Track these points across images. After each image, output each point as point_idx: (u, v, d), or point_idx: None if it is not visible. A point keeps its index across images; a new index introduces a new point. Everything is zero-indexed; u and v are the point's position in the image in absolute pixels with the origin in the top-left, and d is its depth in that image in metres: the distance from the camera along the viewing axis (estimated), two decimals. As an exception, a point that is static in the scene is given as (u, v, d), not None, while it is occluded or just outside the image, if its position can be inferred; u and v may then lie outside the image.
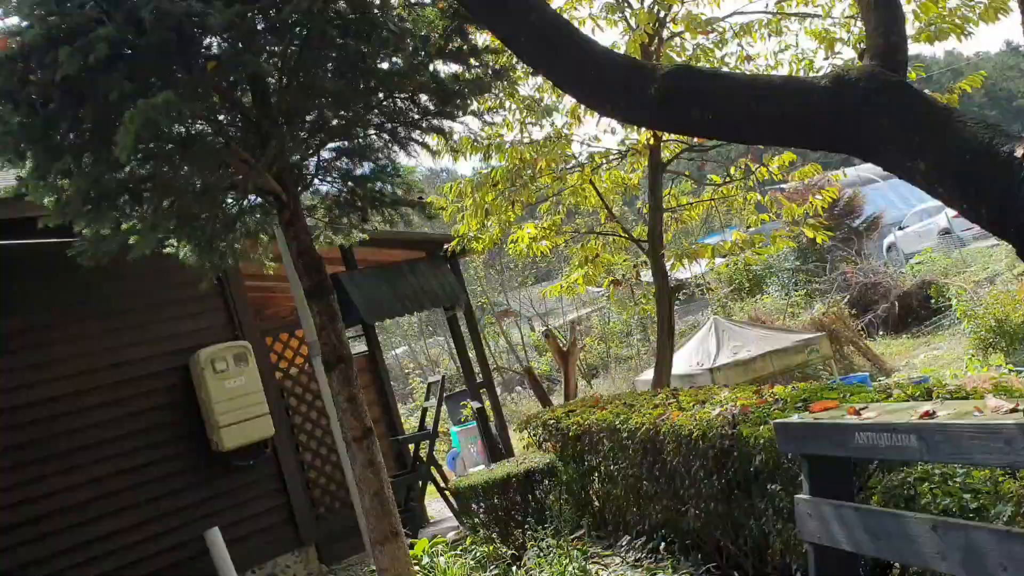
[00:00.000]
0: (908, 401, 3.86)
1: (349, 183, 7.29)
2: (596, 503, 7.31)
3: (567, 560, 5.47)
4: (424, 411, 9.07)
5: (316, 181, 7.33)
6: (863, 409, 3.14)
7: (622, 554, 6.37)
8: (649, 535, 6.33)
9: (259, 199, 7.21)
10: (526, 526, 6.83)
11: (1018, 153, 2.49)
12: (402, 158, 9.48)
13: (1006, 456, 2.34)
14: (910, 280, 19.19)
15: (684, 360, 12.06)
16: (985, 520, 3.65)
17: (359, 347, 10.49)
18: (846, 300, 18.82)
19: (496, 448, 10.06)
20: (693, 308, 26.39)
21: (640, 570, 5.72)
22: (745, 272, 23.30)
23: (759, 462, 4.82)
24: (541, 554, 5.88)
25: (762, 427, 4.68)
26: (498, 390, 26.97)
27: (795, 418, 3.43)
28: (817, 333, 12.74)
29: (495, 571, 6.27)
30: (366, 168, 7.37)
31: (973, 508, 3.72)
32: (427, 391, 9.77)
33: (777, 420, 3.48)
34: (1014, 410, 2.39)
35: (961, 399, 3.28)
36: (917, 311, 18.94)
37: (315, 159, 7.10)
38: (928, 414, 2.70)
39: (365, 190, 7.21)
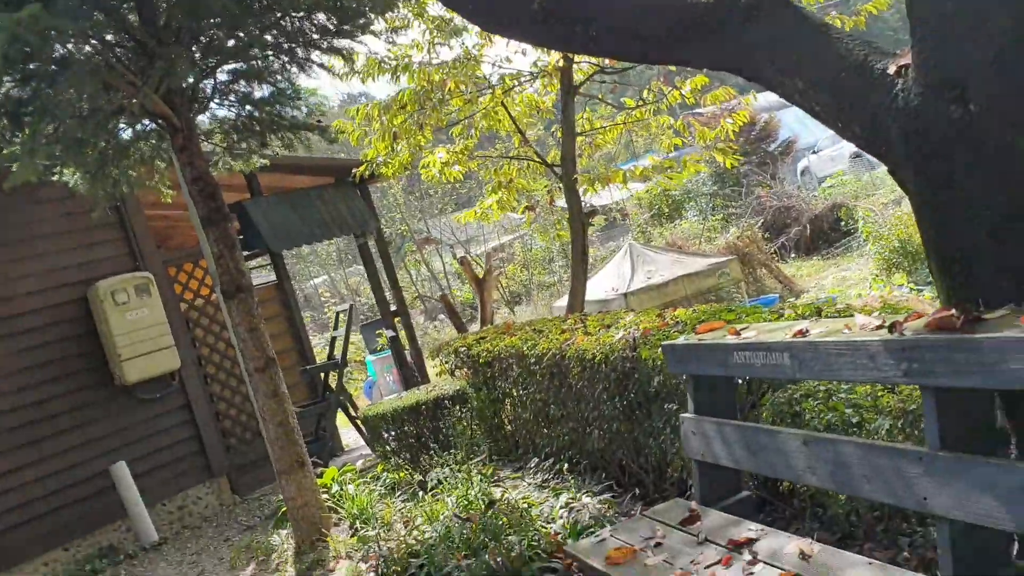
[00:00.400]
0: (797, 320, 3.91)
1: (247, 107, 7.01)
2: (508, 428, 7.36)
3: (467, 485, 5.49)
4: (333, 340, 8.97)
5: (213, 105, 7.04)
6: (744, 329, 3.17)
7: (531, 476, 6.45)
8: (557, 457, 6.41)
9: (152, 124, 6.91)
10: (431, 452, 6.86)
11: (891, 70, 2.48)
12: (303, 80, 9.14)
13: (870, 372, 2.38)
14: (822, 203, 19.60)
15: (600, 286, 12.15)
16: (867, 433, 3.77)
17: (270, 276, 10.28)
18: (760, 224, 19.16)
19: (411, 376, 10.03)
20: (615, 234, 26.57)
21: (546, 490, 5.79)
22: (664, 197, 23.47)
23: (657, 383, 4.88)
24: (445, 479, 5.90)
25: (660, 350, 4.72)
26: (421, 318, 26.91)
27: (681, 340, 3.45)
28: (727, 257, 12.94)
29: (403, 497, 6.28)
30: (265, 91, 7.10)
31: (855, 422, 3.83)
32: (335, 320, 9.65)
33: (665, 342, 3.50)
34: (880, 327, 2.42)
35: (838, 317, 3.33)
36: (828, 233, 19.43)
37: (211, 82, 6.80)
38: (801, 333, 2.73)
39: (264, 114, 6.95)
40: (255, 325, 6.14)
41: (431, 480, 6.02)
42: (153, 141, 6.96)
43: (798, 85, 2.64)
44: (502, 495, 5.50)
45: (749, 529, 2.88)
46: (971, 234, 2.31)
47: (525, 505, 5.30)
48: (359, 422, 8.62)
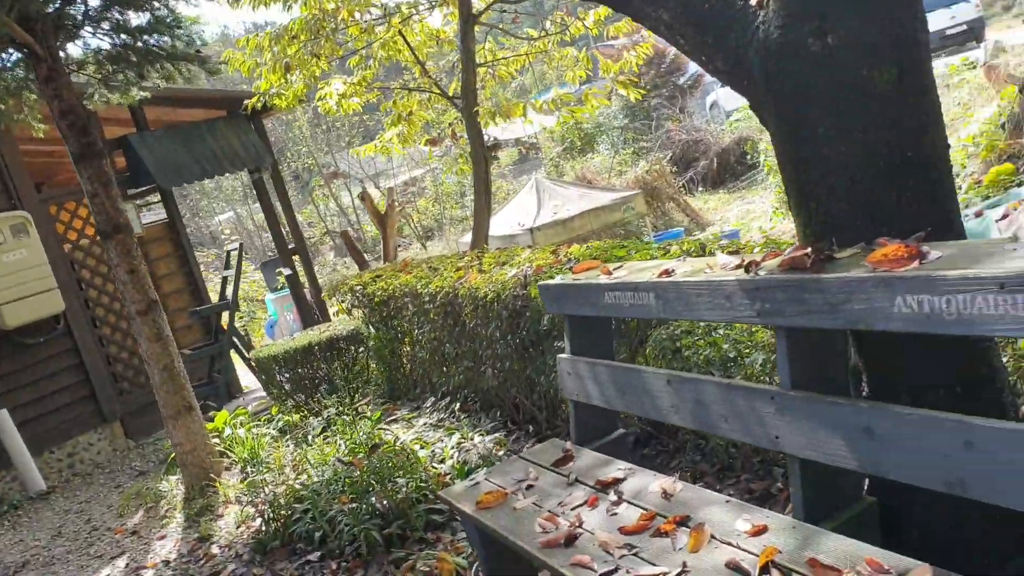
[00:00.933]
0: (681, 257, 3.90)
1: (122, 35, 6.60)
2: (406, 367, 7.28)
3: (354, 428, 5.41)
4: (224, 280, 8.69)
5: (86, 33, 6.61)
6: (617, 268, 3.12)
7: (427, 415, 6.40)
8: (453, 396, 6.37)
9: (18, 53, 6.47)
10: (325, 393, 6.75)
11: (753, 1, 2.40)
12: (184, 8, 8.66)
13: (727, 312, 2.35)
14: (729, 137, 19.79)
15: (506, 221, 12.05)
16: (741, 368, 3.80)
17: (161, 214, 9.88)
18: (669, 157, 19.25)
19: (311, 316, 9.84)
20: (527, 168, 26.42)
21: (441, 430, 5.75)
22: (576, 131, 23.37)
23: (548, 322, 4.83)
24: (336, 421, 5.81)
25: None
26: (331, 255, 26.37)
27: (557, 279, 3.39)
28: (633, 191, 12.97)
29: (296, 440, 6.17)
30: (142, 19, 6.69)
31: (732, 357, 3.86)
32: (226, 259, 9.35)
33: (541, 282, 3.43)
34: (739, 267, 2.39)
35: (701, 256, 3.31)
36: (734, 167, 19.69)
37: (81, 7, 6.37)
38: (666, 272, 2.68)
39: (140, 43, 6.56)
40: (135, 267, 5.87)
41: (322, 422, 5.92)
42: (20, 72, 6.53)
43: (664, 17, 2.55)
44: (393, 437, 5.43)
45: (618, 469, 2.87)
46: (827, 172, 2.28)
47: (417, 446, 5.25)
48: (252, 364, 8.43)
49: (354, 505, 4.43)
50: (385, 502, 4.41)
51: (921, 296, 1.78)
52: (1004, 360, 3.08)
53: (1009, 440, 1.67)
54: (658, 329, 4.23)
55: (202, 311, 8.66)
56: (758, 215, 14.46)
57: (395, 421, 6.45)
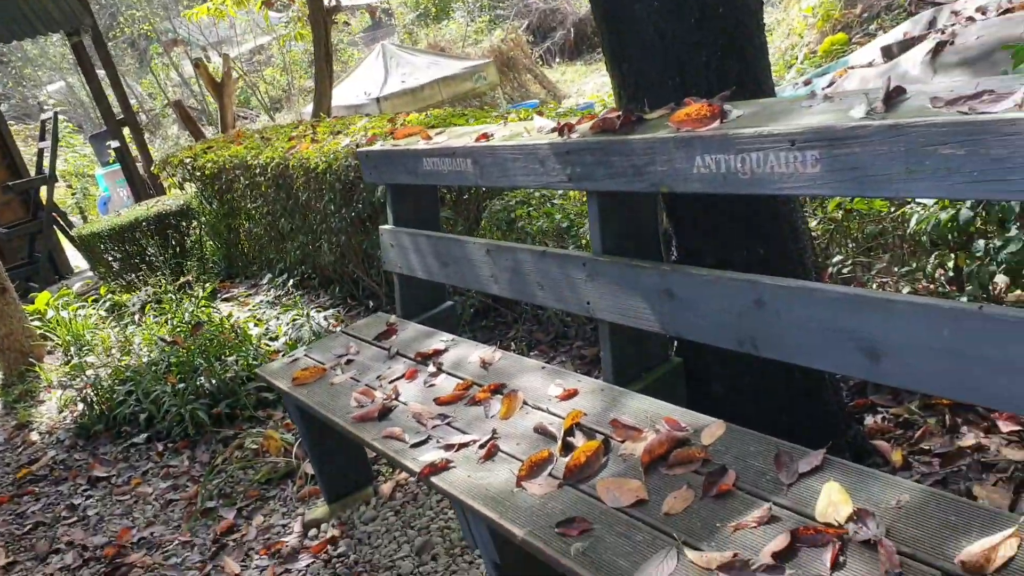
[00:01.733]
0: (502, 122, 3.77)
1: None
2: (244, 244, 6.99)
3: (182, 307, 5.16)
4: (40, 152, 8.01)
5: None
6: (439, 134, 2.98)
7: (264, 292, 6.19)
8: (290, 272, 6.17)
9: None
10: (157, 272, 6.40)
11: None
12: None
13: (541, 177, 2.27)
14: (587, 6, 19.51)
15: (351, 90, 11.57)
16: (575, 239, 3.78)
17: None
18: (525, 26, 18.87)
19: (145, 191, 9.27)
20: (380, 35, 25.38)
21: (277, 307, 5.58)
22: (432, -4, 22.56)
23: (382, 192, 4.67)
24: (164, 300, 5.52)
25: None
26: (174, 128, 24.90)
27: (376, 146, 3.22)
28: (484, 60, 12.66)
29: (125, 321, 5.86)
30: None
31: (565, 228, 3.83)
32: (41, 129, 8.61)
33: (360, 149, 3.25)
34: (554, 130, 2.29)
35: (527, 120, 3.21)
36: (591, 38, 19.52)
37: None
38: (484, 136, 2.57)
39: None
40: (-77, 137, 5.29)
41: (151, 301, 5.61)
42: None
43: None
44: (220, 316, 5.22)
45: (441, 340, 2.81)
46: (637, 29, 2.19)
47: (251, 324, 5.07)
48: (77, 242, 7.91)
49: (182, 385, 4.26)
50: (213, 381, 4.25)
51: (718, 156, 1.73)
52: (815, 223, 3.16)
53: (796, 298, 1.68)
54: (493, 200, 4.15)
55: (16, 186, 7.98)
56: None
57: (231, 299, 6.22)
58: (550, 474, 1.91)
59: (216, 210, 6.87)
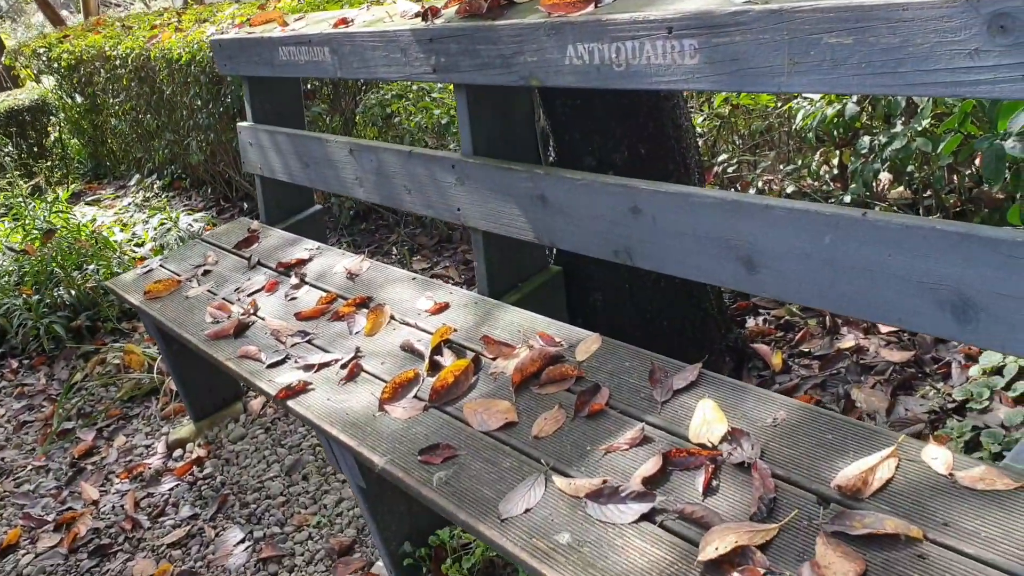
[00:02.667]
0: (365, 6, 3.49)
1: None
2: (111, 143, 6.50)
3: (33, 212, 4.75)
4: None
5: None
6: (298, 19, 2.70)
7: (132, 195, 5.79)
8: (160, 173, 5.78)
9: None
10: (12, 172, 5.90)
11: None
12: None
13: (404, 68, 2.05)
14: None
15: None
16: (456, 136, 3.57)
17: None
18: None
19: (1, 82, 8.51)
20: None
21: (146, 210, 5.21)
22: None
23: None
24: (16, 204, 5.09)
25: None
26: (38, 15, 23.10)
27: (230, 34, 2.91)
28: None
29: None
30: None
31: (444, 124, 3.61)
32: None
33: (214, 37, 2.93)
34: (419, 14, 2.07)
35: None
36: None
37: None
38: (344, 22, 2.31)
39: None
40: None
41: (3, 206, 5.17)
42: None
43: None
44: (77, 221, 4.83)
45: (306, 249, 2.61)
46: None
47: (117, 229, 4.72)
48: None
49: (37, 297, 3.93)
50: (73, 292, 3.95)
51: (591, 44, 1.56)
52: (701, 119, 3.04)
53: (672, 204, 1.55)
54: (368, 94, 3.88)
55: None
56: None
57: (96, 202, 5.80)
58: (416, 396, 1.77)
59: (78, 105, 6.34)
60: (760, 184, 2.74)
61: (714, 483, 1.33)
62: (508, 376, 1.72)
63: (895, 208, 2.56)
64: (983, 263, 1.14)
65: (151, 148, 5.65)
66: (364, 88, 4.09)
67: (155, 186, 5.63)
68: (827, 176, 2.67)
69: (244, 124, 2.90)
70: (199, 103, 4.77)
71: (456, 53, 1.87)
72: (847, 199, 2.54)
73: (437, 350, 1.87)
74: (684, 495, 1.33)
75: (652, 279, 2.15)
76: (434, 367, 1.82)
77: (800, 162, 2.71)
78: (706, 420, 1.45)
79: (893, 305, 1.26)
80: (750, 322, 2.68)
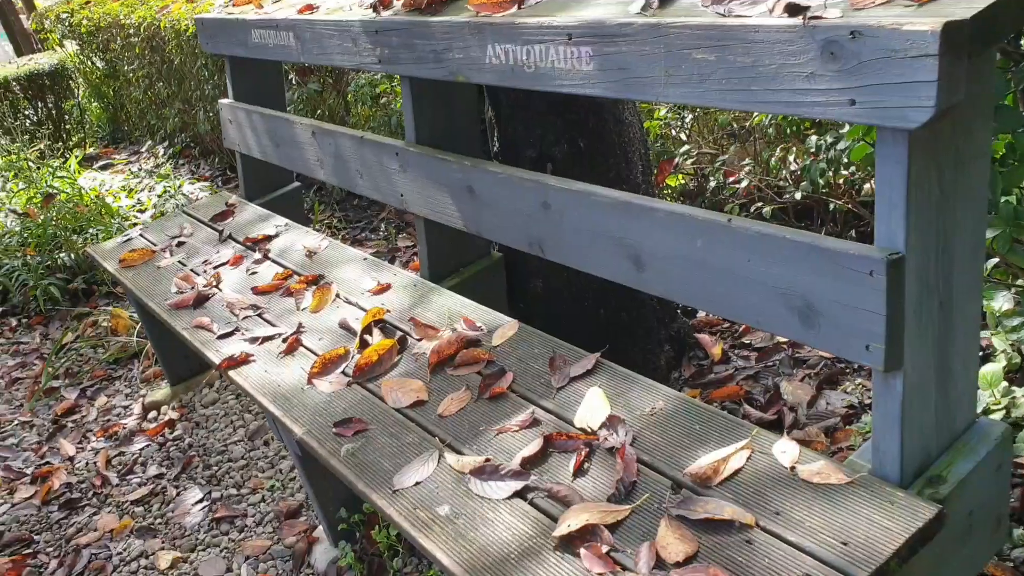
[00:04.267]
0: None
1: None
2: (128, 109, 6.65)
3: (40, 173, 4.90)
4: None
5: None
6: (275, 2, 2.79)
7: (144, 161, 5.94)
8: (171, 140, 5.92)
9: None
10: (34, 136, 6.06)
11: None
12: None
13: (355, 57, 2.14)
14: None
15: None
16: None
17: None
18: None
19: (27, 45, 8.70)
20: None
21: (154, 176, 5.35)
22: None
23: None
24: (27, 167, 5.25)
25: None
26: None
27: (212, 13, 3.01)
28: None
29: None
30: None
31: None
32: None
33: (197, 15, 3.04)
34: (372, 6, 2.14)
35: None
36: None
37: None
38: (308, 8, 2.40)
39: None
40: None
41: (14, 169, 5.33)
42: None
43: None
44: (96, 185, 4.99)
45: (275, 225, 2.72)
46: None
47: (123, 195, 4.87)
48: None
49: (39, 259, 4.09)
50: (72, 256, 4.10)
51: (507, 46, 1.64)
52: (664, 111, 3.10)
53: (576, 201, 1.63)
54: (359, 74, 3.97)
55: None
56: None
57: (109, 167, 5.96)
58: (342, 372, 1.88)
59: (97, 70, 6.50)
60: (719, 176, 2.81)
61: (585, 466, 1.42)
62: (427, 357, 1.83)
63: (849, 207, 2.62)
64: (825, 273, 1.22)
65: (163, 116, 5.79)
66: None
67: (165, 154, 5.76)
68: (784, 172, 2.73)
69: (224, 101, 3.00)
70: (205, 74, 4.88)
71: (397, 46, 1.96)
72: (798, 195, 2.60)
73: (368, 329, 1.97)
74: (557, 475, 1.42)
75: (572, 274, 2.23)
76: (363, 345, 1.93)
77: (760, 157, 2.77)
78: (591, 407, 1.54)
79: (752, 307, 1.34)
80: (701, 313, 2.75)
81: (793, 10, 1.18)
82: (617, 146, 2.21)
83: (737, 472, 1.32)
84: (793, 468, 1.30)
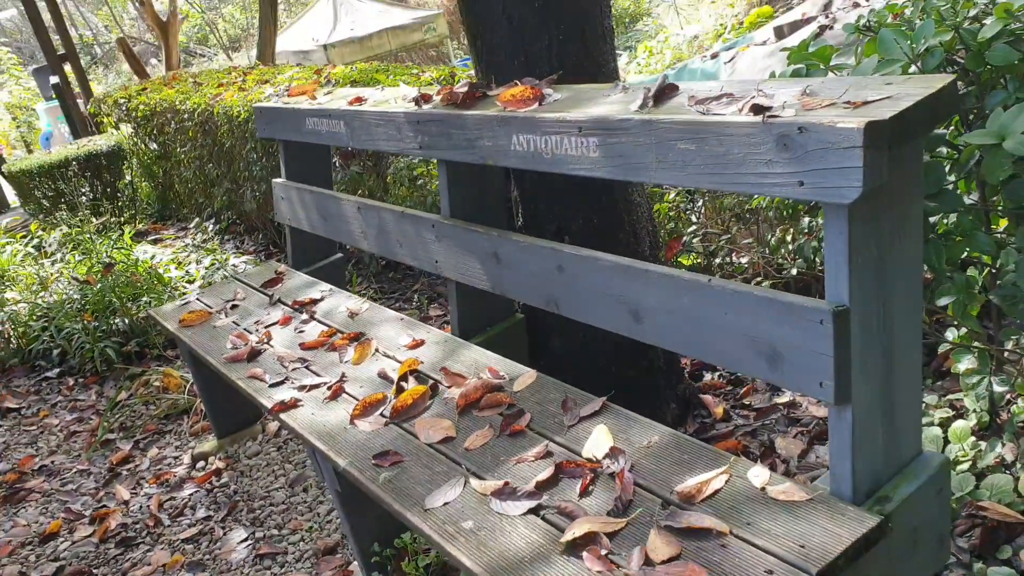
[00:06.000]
0: (393, 89, 3.94)
1: None
2: (178, 187, 7.08)
3: (100, 245, 5.28)
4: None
5: None
6: (327, 94, 3.15)
7: (191, 236, 6.33)
8: (218, 217, 6.31)
9: None
10: (69, 211, 6.48)
11: None
12: None
13: (398, 143, 2.47)
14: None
15: (301, 35, 11.54)
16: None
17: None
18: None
19: (84, 128, 9.25)
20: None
21: (201, 251, 5.72)
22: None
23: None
24: (83, 237, 5.64)
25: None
26: (127, 64, 24.40)
27: (269, 102, 3.38)
28: (434, 11, 12.66)
29: (52, 259, 5.96)
30: None
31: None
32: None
33: (257, 104, 3.41)
34: (415, 99, 2.47)
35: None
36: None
37: None
38: (358, 100, 2.75)
39: None
40: None
41: (70, 241, 5.73)
42: None
43: None
44: (148, 257, 5.35)
45: (320, 290, 3.02)
46: (491, 12, 2.37)
47: (173, 267, 5.22)
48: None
49: (95, 324, 4.42)
50: (126, 320, 4.42)
51: (529, 136, 1.94)
52: (673, 195, 3.40)
53: (585, 265, 1.91)
54: (398, 159, 4.32)
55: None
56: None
57: (159, 241, 6.35)
58: (381, 413, 2.14)
59: (151, 152, 6.96)
60: (723, 254, 3.08)
61: (590, 488, 1.67)
62: (456, 400, 2.09)
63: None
64: (785, 323, 1.48)
65: (211, 195, 6.19)
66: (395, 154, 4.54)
67: (212, 229, 6.15)
68: (783, 251, 3.00)
69: (278, 181, 3.35)
70: (254, 156, 5.28)
71: (436, 134, 2.28)
72: (793, 271, 2.86)
73: (404, 378, 2.24)
74: (565, 496, 1.66)
75: (601, 332, 2.50)
76: (400, 391, 2.19)
77: (760, 238, 3.04)
78: (597, 440, 1.79)
79: (729, 353, 1.60)
80: (707, 376, 3.00)
81: (757, 110, 1.47)
82: (626, 223, 2.50)
83: (717, 492, 1.56)
84: (763, 488, 1.54)
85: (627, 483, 1.63)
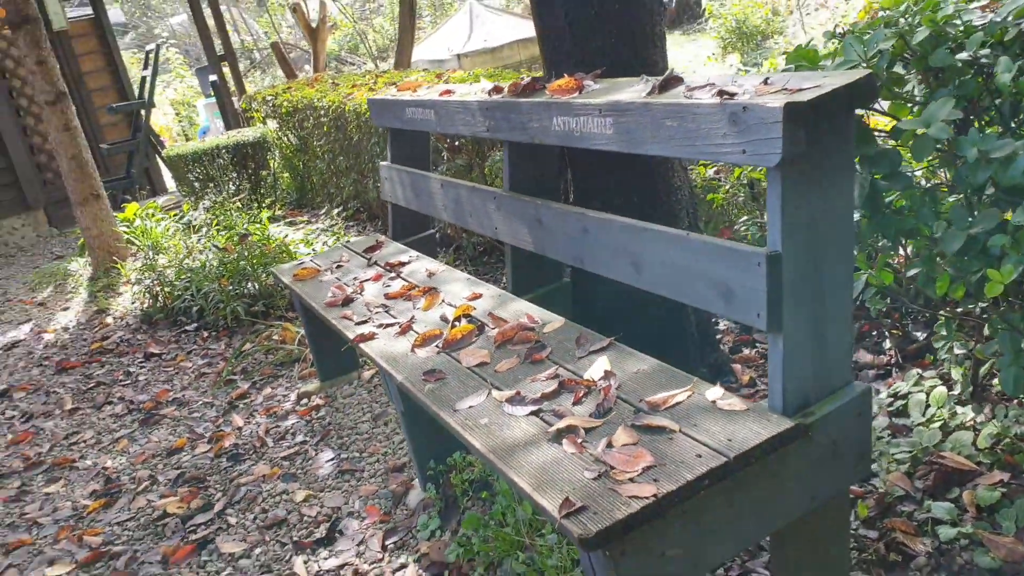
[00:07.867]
0: (470, 82, 4.38)
1: None
2: (314, 178, 7.80)
3: (234, 220, 5.97)
4: (143, 79, 9.00)
5: None
6: (428, 88, 3.64)
7: (321, 221, 6.99)
8: (345, 205, 6.96)
9: None
10: (229, 193, 7.24)
11: None
12: None
13: (472, 127, 2.92)
14: (686, -23, 19.61)
15: (438, 45, 12.25)
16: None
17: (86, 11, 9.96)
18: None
19: (236, 122, 10.19)
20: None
21: (328, 233, 6.36)
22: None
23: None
24: (222, 211, 6.36)
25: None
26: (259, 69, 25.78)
27: (379, 95, 3.90)
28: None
29: (199, 235, 6.73)
30: None
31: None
32: (144, 59, 9.59)
33: (371, 97, 3.94)
34: (491, 90, 2.92)
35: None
36: (693, 8, 19.71)
37: None
38: (447, 92, 3.22)
39: None
40: (44, 58, 6.21)
41: (212, 216, 6.47)
42: None
43: None
44: (282, 236, 6.00)
45: (409, 256, 3.51)
46: (554, 15, 2.80)
47: (302, 244, 5.86)
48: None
49: (231, 287, 5.08)
50: (256, 285, 5.06)
51: (565, 118, 2.36)
52: (728, 187, 3.72)
53: (603, 227, 2.30)
54: (494, 149, 4.79)
55: (118, 108, 8.99)
56: (703, 59, 14.62)
57: (292, 224, 7.04)
58: (436, 345, 2.59)
59: (291, 144, 7.70)
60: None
61: (583, 399, 2.06)
62: (495, 337, 2.51)
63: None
64: (735, 266, 1.84)
65: (340, 185, 6.85)
66: (493, 145, 5.01)
67: (339, 215, 6.80)
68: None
69: (384, 163, 3.86)
70: (377, 150, 5.87)
71: (499, 119, 2.72)
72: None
73: (458, 319, 2.69)
74: (562, 404, 2.06)
75: (641, 302, 2.87)
76: (452, 329, 2.64)
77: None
78: (597, 367, 2.18)
79: (700, 293, 1.96)
80: (747, 350, 3.31)
81: (722, 95, 1.84)
82: (665, 203, 2.87)
83: (678, 403, 1.93)
84: (714, 402, 1.90)
85: (611, 395, 2.02)
